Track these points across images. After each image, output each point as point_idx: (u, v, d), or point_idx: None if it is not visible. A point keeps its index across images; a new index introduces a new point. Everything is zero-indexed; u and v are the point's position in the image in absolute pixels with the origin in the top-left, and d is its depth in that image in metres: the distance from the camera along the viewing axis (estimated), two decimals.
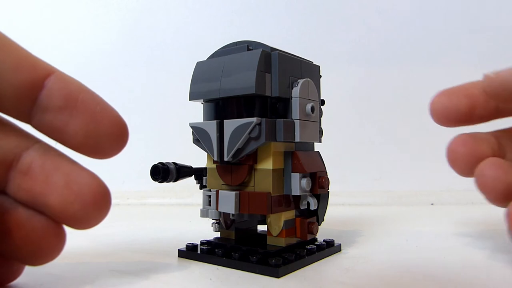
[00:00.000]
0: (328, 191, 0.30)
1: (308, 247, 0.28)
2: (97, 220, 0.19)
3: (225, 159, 0.27)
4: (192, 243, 0.29)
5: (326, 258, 0.29)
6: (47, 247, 0.20)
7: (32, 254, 0.20)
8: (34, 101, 0.18)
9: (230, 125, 0.26)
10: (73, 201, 0.18)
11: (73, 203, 0.18)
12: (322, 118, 0.31)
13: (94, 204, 0.19)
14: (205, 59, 0.29)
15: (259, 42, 0.28)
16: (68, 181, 0.18)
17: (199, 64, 0.29)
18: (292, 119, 0.27)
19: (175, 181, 0.29)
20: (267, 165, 0.27)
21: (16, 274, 0.21)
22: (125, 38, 0.76)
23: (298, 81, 0.27)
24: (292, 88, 0.27)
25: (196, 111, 0.31)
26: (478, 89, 0.27)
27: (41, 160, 0.19)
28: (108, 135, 0.19)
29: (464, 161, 0.26)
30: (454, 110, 0.28)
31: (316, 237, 0.30)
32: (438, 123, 0.29)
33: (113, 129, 0.19)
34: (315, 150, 0.31)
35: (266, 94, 0.26)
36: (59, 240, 0.20)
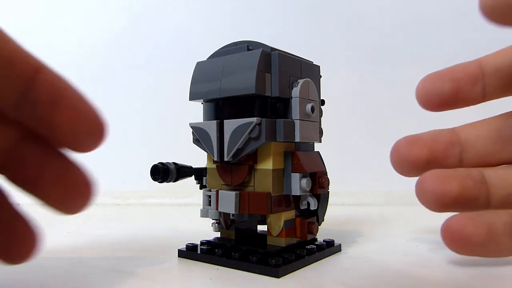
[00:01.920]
0: (328, 191, 0.30)
1: (308, 247, 0.28)
2: (82, 208, 0.21)
3: (225, 159, 0.27)
4: (192, 243, 0.29)
5: (326, 258, 0.29)
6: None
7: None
8: (23, 95, 0.19)
9: (230, 125, 0.26)
10: (63, 194, 0.20)
11: (64, 196, 0.20)
12: (322, 118, 0.31)
13: (81, 196, 0.20)
14: (205, 59, 0.29)
15: (259, 42, 0.28)
16: (59, 176, 0.20)
17: (199, 64, 0.29)
18: (292, 119, 0.27)
19: (175, 181, 0.29)
20: (267, 165, 0.27)
21: (30, 251, 0.22)
22: (125, 38, 0.76)
23: (298, 81, 0.27)
24: (292, 88, 0.27)
25: (196, 111, 0.31)
26: (464, 73, 0.27)
27: (36, 152, 0.20)
28: (89, 131, 0.20)
29: (406, 165, 0.26)
30: (438, 94, 0.28)
31: (316, 237, 0.30)
32: (424, 108, 0.29)
33: (93, 126, 0.20)
34: (315, 150, 0.31)
35: (266, 94, 0.26)
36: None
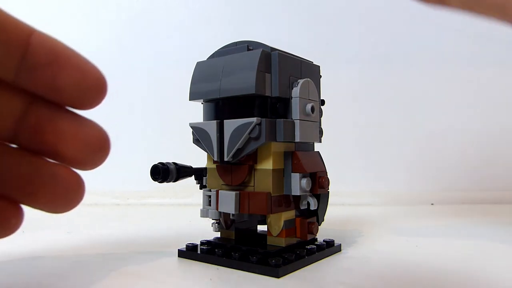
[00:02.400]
0: (328, 191, 0.30)
1: (308, 247, 0.28)
2: (100, 162, 0.21)
3: (225, 159, 0.27)
4: (192, 243, 0.29)
5: (326, 258, 0.29)
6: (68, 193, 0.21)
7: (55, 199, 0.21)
8: (19, 60, 0.19)
9: (230, 125, 0.26)
10: (82, 149, 0.20)
11: (82, 151, 0.20)
12: (322, 118, 0.31)
13: (99, 149, 0.21)
14: (205, 59, 0.29)
15: (259, 42, 0.27)
16: (75, 132, 0.20)
17: (199, 64, 0.29)
18: (292, 119, 0.27)
19: (175, 181, 0.29)
20: (267, 165, 0.27)
21: (14, 227, 0.22)
22: (125, 38, 0.76)
23: (298, 81, 0.27)
24: (292, 88, 0.27)
25: (196, 111, 0.31)
26: None
27: (48, 113, 0.20)
28: (91, 87, 0.20)
29: None
30: None
31: (316, 237, 0.30)
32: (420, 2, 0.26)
33: (95, 81, 0.20)
34: (315, 150, 0.31)
35: (266, 94, 0.26)
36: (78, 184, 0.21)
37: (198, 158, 0.33)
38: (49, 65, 0.19)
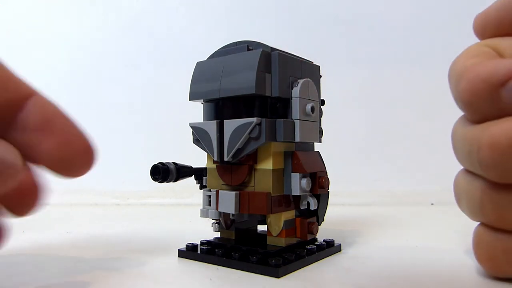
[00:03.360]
0: (328, 191, 0.30)
1: (308, 247, 0.28)
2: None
3: (225, 159, 0.27)
4: (192, 243, 0.29)
5: (326, 258, 0.29)
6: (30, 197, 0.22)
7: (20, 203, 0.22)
8: (12, 119, 0.19)
9: (230, 125, 0.26)
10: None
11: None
12: (322, 118, 0.31)
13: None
14: (205, 59, 0.29)
15: (259, 42, 0.27)
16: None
17: (199, 64, 0.29)
18: (292, 119, 0.27)
19: (175, 181, 0.29)
20: (267, 165, 0.27)
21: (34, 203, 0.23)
22: (124, 38, 0.76)
23: (298, 81, 0.27)
24: (292, 88, 0.27)
25: (196, 111, 0.31)
26: None
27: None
28: (78, 158, 0.20)
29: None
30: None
31: (316, 237, 0.30)
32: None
33: (82, 152, 0.20)
34: (315, 150, 0.31)
35: (266, 94, 0.26)
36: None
37: (198, 158, 0.33)
38: (39, 130, 0.19)
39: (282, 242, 0.27)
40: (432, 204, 0.61)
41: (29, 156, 0.20)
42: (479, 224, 0.24)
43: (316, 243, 0.29)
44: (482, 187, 0.22)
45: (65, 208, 0.58)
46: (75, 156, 0.20)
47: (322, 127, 0.31)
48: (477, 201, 0.22)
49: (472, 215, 0.24)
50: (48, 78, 0.62)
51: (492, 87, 0.19)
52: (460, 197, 0.25)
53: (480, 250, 0.23)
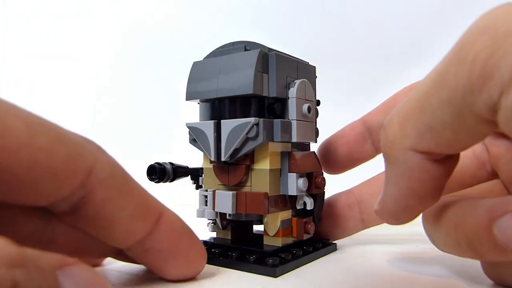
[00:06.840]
0: (324, 191, 0.30)
1: (305, 246, 0.28)
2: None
3: (223, 159, 0.27)
4: None
5: (325, 258, 0.29)
6: None
7: None
8: (140, 243, 0.20)
9: (228, 125, 0.26)
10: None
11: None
12: (317, 118, 0.31)
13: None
14: (202, 59, 0.29)
15: (256, 43, 0.28)
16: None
17: (195, 64, 0.29)
18: (289, 119, 0.27)
19: (171, 181, 0.29)
20: (264, 165, 0.27)
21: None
22: (123, 38, 0.76)
23: (295, 81, 0.27)
24: (289, 89, 0.27)
25: (193, 111, 0.31)
26: (352, 135, 0.31)
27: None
28: (200, 268, 0.23)
29: None
30: (335, 160, 0.31)
31: (312, 236, 0.30)
32: (327, 173, 0.32)
33: (203, 262, 0.23)
34: (311, 150, 0.31)
35: (264, 94, 0.26)
36: None
37: (195, 158, 0.33)
38: (166, 251, 0.20)
39: (279, 242, 0.27)
40: None
41: (153, 270, 0.21)
42: None
43: (312, 242, 0.29)
44: None
45: None
46: (198, 270, 0.22)
47: (317, 127, 0.31)
48: None
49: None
50: (48, 78, 0.62)
51: None
52: None
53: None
